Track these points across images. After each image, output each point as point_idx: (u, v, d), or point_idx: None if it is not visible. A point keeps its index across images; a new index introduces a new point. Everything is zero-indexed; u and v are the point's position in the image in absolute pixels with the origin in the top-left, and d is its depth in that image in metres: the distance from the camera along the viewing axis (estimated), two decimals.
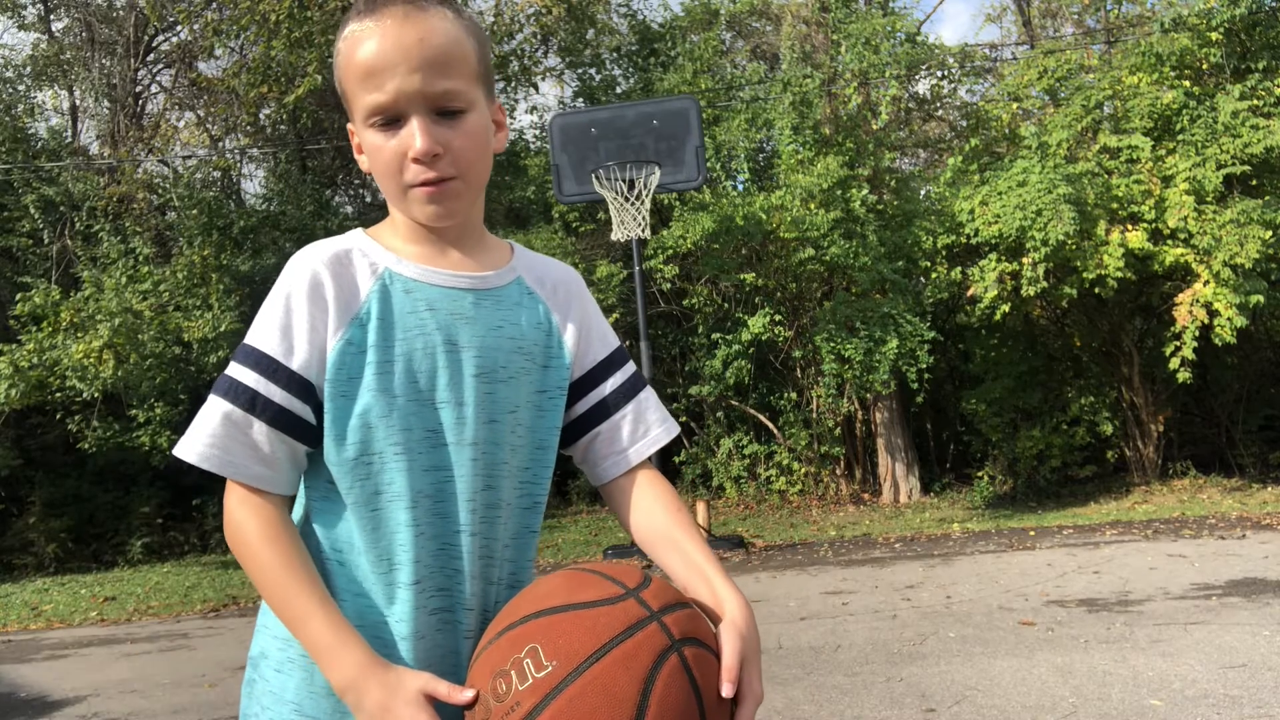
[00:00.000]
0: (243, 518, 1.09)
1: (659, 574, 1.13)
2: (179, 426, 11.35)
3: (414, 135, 1.09)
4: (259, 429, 1.08)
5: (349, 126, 1.18)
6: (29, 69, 15.43)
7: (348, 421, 1.10)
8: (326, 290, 1.11)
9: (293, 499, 1.16)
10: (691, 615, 1.05)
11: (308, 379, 1.10)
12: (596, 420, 1.27)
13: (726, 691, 1.02)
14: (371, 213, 20.22)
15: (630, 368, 1.31)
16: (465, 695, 1.01)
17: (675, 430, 1.32)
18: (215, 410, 1.09)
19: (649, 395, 1.30)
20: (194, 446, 1.08)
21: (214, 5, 14.25)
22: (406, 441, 1.10)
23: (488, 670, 1.01)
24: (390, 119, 1.11)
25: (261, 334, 1.11)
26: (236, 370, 1.10)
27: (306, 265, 1.12)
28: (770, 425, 12.61)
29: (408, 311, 1.13)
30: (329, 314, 1.11)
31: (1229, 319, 9.40)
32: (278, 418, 1.09)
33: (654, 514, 1.24)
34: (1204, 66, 10.71)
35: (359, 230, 1.19)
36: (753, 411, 12.69)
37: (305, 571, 1.08)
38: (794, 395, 12.56)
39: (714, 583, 1.15)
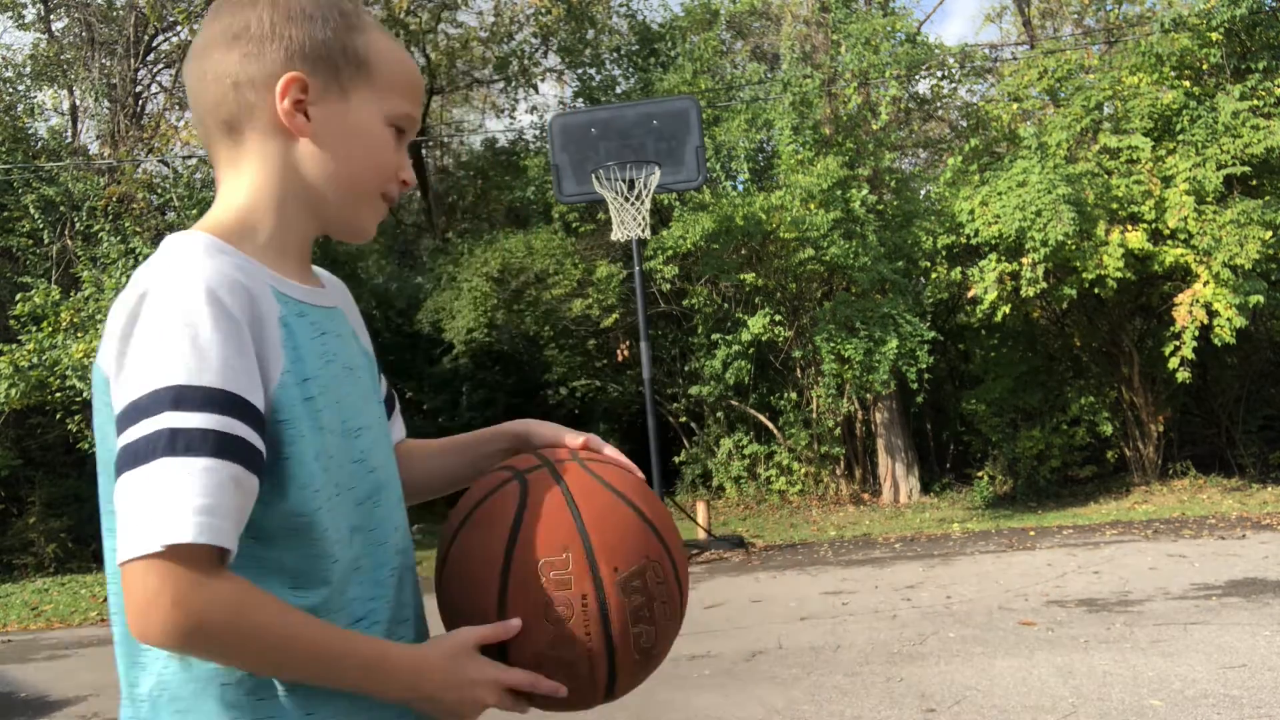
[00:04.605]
0: (229, 594, 0.86)
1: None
2: None
3: (408, 164, 1.11)
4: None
5: (298, 75, 1.00)
6: (29, 69, 15.43)
7: (290, 466, 0.94)
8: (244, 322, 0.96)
9: None
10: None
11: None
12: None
13: (576, 441, 1.17)
14: None
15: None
16: (513, 624, 1.01)
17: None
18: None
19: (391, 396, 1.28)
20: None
21: None
22: (342, 476, 0.99)
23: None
24: (400, 133, 1.09)
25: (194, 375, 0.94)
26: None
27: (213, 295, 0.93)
28: (770, 425, 12.61)
29: (310, 338, 1.00)
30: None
31: (1229, 319, 9.40)
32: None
33: (414, 455, 1.27)
34: (1204, 66, 10.71)
35: (213, 239, 0.97)
36: (753, 411, 12.69)
37: (314, 619, 0.93)
38: (794, 395, 12.55)
39: (481, 432, 1.26)
